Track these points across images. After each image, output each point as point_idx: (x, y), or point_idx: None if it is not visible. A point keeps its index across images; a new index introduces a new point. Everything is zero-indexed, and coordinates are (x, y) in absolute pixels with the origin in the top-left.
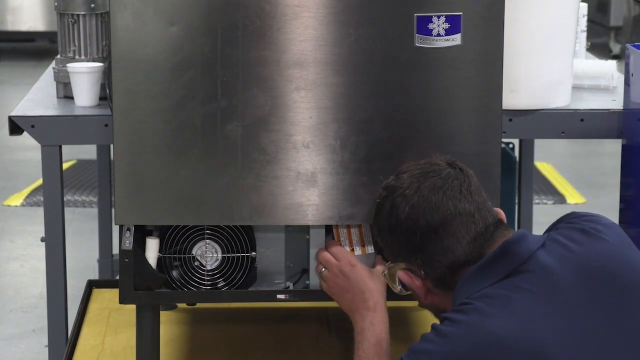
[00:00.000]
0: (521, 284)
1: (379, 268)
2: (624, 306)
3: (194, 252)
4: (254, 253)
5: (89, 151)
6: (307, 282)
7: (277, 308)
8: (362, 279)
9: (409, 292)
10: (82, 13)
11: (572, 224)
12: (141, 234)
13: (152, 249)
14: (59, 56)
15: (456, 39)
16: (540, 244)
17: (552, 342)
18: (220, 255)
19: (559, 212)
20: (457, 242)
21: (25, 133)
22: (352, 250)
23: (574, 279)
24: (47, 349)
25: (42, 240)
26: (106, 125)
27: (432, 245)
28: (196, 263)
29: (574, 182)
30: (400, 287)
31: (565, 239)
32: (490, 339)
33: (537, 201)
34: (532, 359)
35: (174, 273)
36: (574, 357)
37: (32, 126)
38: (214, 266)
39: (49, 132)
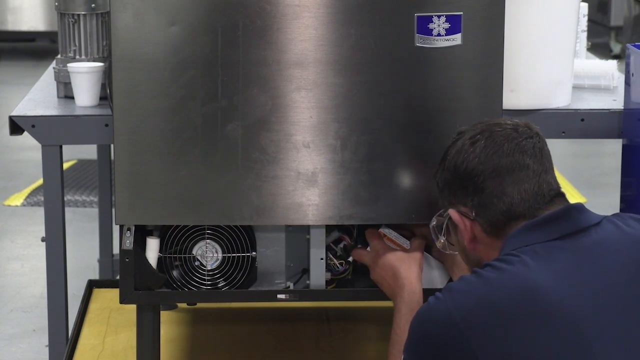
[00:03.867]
0: (572, 249)
1: (413, 251)
2: None
3: (194, 252)
4: (254, 253)
5: (89, 151)
6: (307, 282)
7: (277, 308)
8: (391, 263)
9: (451, 250)
10: (83, 13)
11: (630, 215)
12: (141, 233)
13: (152, 249)
14: (59, 56)
15: (456, 39)
16: (598, 221)
17: (587, 310)
18: (220, 255)
19: None
20: (518, 193)
21: (25, 133)
22: (402, 247)
23: (620, 258)
24: (47, 348)
25: (43, 240)
26: (106, 125)
27: (493, 188)
28: (196, 263)
29: (574, 182)
30: (444, 239)
31: (620, 222)
32: (528, 291)
33: None
34: (564, 320)
35: (174, 273)
36: (604, 330)
37: (33, 126)
38: (214, 266)
39: (49, 132)
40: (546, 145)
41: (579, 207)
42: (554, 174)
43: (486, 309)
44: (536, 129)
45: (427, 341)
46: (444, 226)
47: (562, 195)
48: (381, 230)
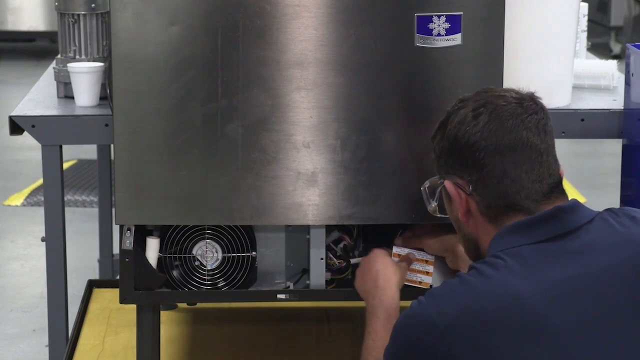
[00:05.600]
0: (559, 253)
1: (402, 263)
2: None
3: (194, 252)
4: (254, 253)
5: (89, 151)
6: (307, 282)
7: (277, 308)
8: (375, 263)
9: (442, 215)
10: (83, 13)
11: (624, 211)
12: (141, 233)
13: (152, 249)
14: (59, 56)
15: (456, 39)
16: (589, 219)
17: (573, 319)
18: (220, 255)
19: None
20: (518, 174)
21: (25, 133)
22: (427, 261)
23: (611, 259)
24: (47, 348)
25: (43, 240)
26: (106, 125)
27: (493, 167)
28: (196, 263)
29: (574, 182)
30: (435, 204)
31: (613, 220)
32: (513, 301)
33: None
34: (548, 331)
35: (174, 273)
36: (590, 338)
37: (33, 126)
38: (214, 266)
39: (49, 132)
40: (550, 120)
41: (569, 208)
42: (554, 152)
43: (470, 317)
44: (541, 102)
45: (409, 347)
46: (437, 193)
47: (560, 184)
48: (394, 251)
